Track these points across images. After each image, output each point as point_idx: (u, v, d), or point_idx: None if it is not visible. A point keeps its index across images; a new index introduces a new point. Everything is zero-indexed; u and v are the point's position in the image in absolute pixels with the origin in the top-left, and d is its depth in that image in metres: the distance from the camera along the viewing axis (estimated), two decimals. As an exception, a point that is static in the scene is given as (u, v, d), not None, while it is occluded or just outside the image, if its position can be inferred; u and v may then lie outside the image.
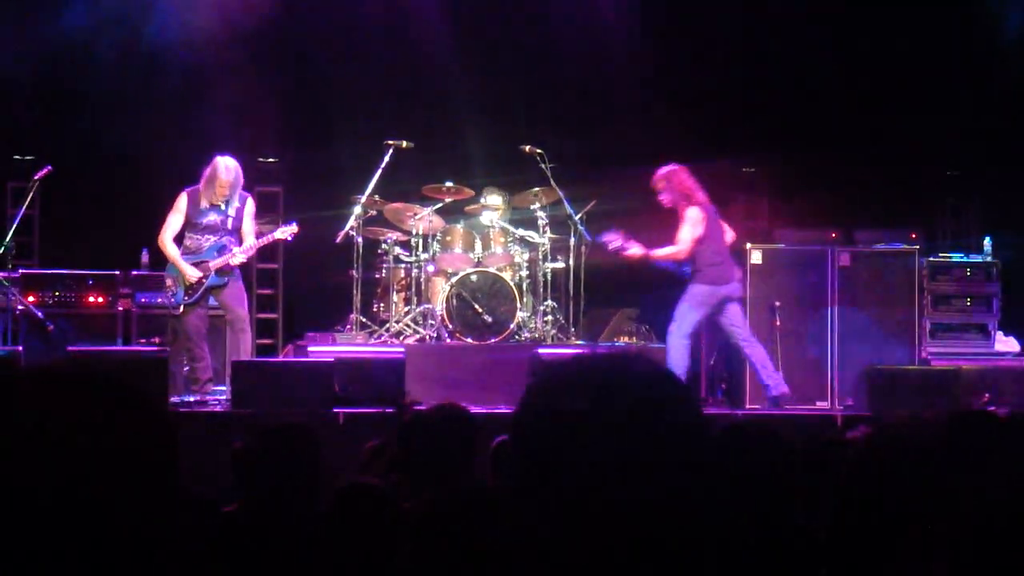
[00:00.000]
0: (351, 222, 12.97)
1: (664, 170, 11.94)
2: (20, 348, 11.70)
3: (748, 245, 12.75)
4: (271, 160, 15.25)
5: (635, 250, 11.92)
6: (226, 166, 11.67)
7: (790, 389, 12.01)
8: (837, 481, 3.19)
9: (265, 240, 12.01)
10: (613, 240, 11.99)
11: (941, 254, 13.38)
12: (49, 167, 12.65)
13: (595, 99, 15.31)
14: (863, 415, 11.11)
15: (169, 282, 11.81)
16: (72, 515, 1.72)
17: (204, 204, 11.68)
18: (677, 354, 11.54)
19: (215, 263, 11.66)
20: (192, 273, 11.60)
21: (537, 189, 13.44)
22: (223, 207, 11.71)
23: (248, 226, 11.87)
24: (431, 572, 3.23)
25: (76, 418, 1.77)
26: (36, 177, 12.65)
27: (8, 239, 12.33)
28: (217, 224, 11.73)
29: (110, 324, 13.03)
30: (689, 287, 11.78)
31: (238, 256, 11.75)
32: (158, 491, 1.79)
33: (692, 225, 11.75)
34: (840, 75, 15.07)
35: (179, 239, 11.83)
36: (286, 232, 12.00)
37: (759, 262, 12.59)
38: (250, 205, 11.93)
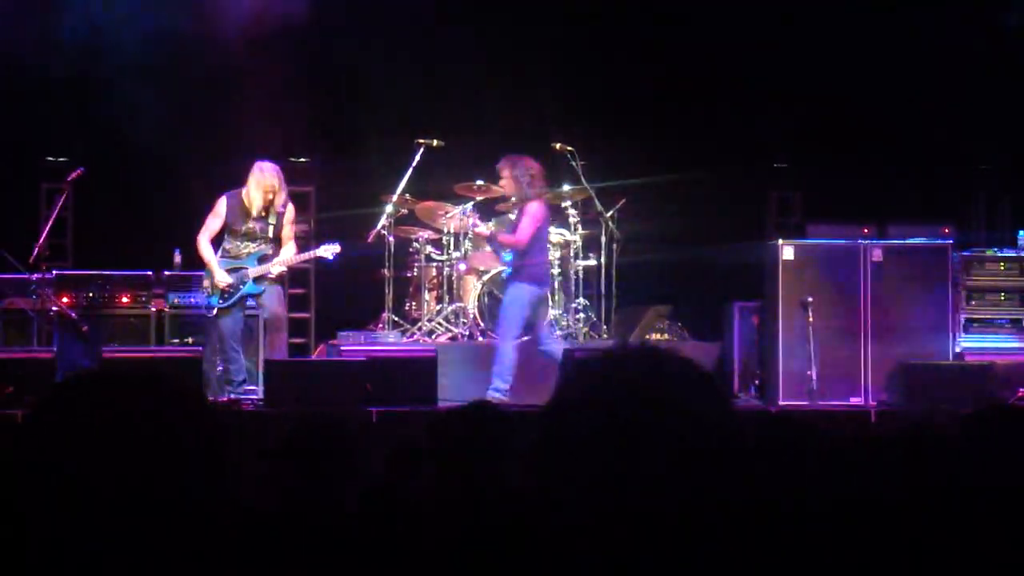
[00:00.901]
0: (382, 221, 12.99)
1: (509, 158, 11.92)
2: (54, 349, 11.74)
3: (780, 241, 12.71)
4: (302, 160, 15.27)
5: (482, 228, 12.15)
6: (271, 173, 11.67)
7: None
8: (870, 477, 3.18)
9: (307, 256, 12.02)
10: (465, 214, 12.11)
11: (974, 248, 13.30)
12: (82, 168, 12.71)
13: (625, 95, 15.29)
14: (897, 410, 11.08)
15: (206, 283, 11.85)
16: (123, 512, 1.72)
17: (248, 211, 11.68)
18: (508, 359, 11.59)
19: (254, 271, 11.67)
20: (222, 279, 11.61)
21: (568, 187, 13.43)
22: (264, 214, 11.73)
23: (287, 232, 11.89)
24: (458, 571, 3.23)
25: (134, 418, 1.78)
26: (69, 178, 12.72)
27: (42, 240, 12.38)
28: (257, 232, 11.74)
29: (143, 325, 13.09)
30: (514, 285, 11.83)
31: (276, 267, 11.78)
32: (206, 490, 1.80)
33: (534, 219, 11.78)
34: (872, 70, 15.01)
35: (218, 242, 11.86)
36: (328, 251, 11.95)
37: (791, 258, 12.53)
38: (290, 211, 11.94)
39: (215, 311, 11.75)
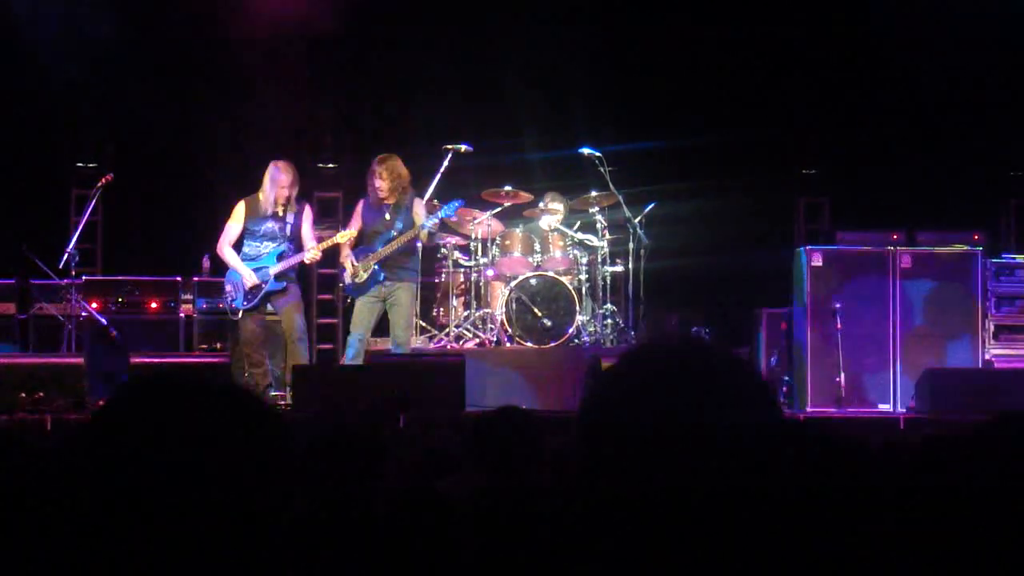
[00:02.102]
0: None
1: (386, 158, 12.09)
2: (84, 355, 11.78)
3: (808, 247, 12.68)
4: (330, 166, 15.30)
5: (435, 221, 12.11)
6: (284, 168, 11.81)
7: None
8: (898, 483, 3.17)
9: (326, 244, 12.05)
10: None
11: (1005, 255, 13.26)
12: (111, 174, 12.76)
13: (653, 101, 15.27)
14: (925, 417, 11.04)
15: (228, 287, 11.94)
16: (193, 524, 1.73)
17: (264, 211, 11.80)
18: None
19: (275, 269, 11.76)
20: (251, 278, 11.70)
21: (596, 193, 13.42)
22: (281, 213, 11.83)
23: (307, 232, 11.96)
24: (488, 574, 3.23)
25: (208, 424, 1.78)
26: (99, 184, 12.77)
27: (71, 246, 12.43)
28: (276, 231, 11.85)
29: (172, 330, 13.12)
30: (412, 287, 12.20)
31: (311, 253, 11.85)
32: (276, 497, 1.80)
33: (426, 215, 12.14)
34: (901, 75, 14.96)
35: (237, 247, 11.95)
36: (346, 235, 12.05)
37: (820, 264, 12.50)
38: (308, 213, 12.03)
39: (240, 313, 11.84)
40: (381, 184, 11.96)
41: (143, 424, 1.77)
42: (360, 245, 12.22)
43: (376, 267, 11.97)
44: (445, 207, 12.27)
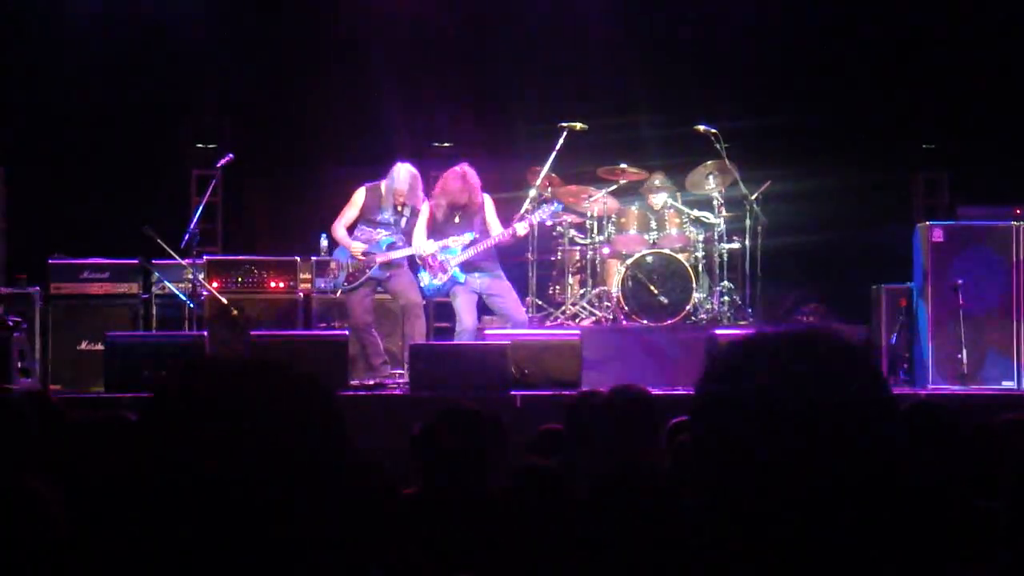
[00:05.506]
0: (527, 205, 13.01)
1: (464, 169, 12.02)
2: (205, 333, 11.95)
3: (928, 223, 12.52)
4: (446, 144, 15.36)
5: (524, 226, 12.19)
6: (405, 176, 11.94)
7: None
8: (1020, 461, 3.12)
9: (444, 243, 12.09)
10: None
11: None
12: (231, 155, 12.90)
13: (770, 78, 15.15)
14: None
15: (333, 265, 12.20)
16: (249, 500, 1.74)
17: (382, 204, 11.98)
18: None
19: (382, 257, 11.94)
20: (358, 248, 11.90)
21: (712, 169, 13.34)
22: (400, 208, 12.02)
23: (420, 230, 12.13)
24: (603, 552, 3.23)
25: (252, 405, 1.80)
26: (219, 165, 12.91)
27: (193, 226, 12.59)
28: (391, 222, 12.07)
29: (291, 308, 13.25)
30: (502, 273, 12.25)
31: (425, 249, 11.99)
32: (329, 474, 1.81)
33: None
34: (1021, 45, 14.70)
35: (351, 231, 12.14)
36: (461, 240, 12.09)
37: (941, 240, 12.32)
38: (425, 208, 12.10)
39: (339, 292, 12.07)
40: (463, 188, 12.01)
41: (189, 402, 1.79)
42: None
43: (458, 269, 12.03)
44: (540, 210, 12.30)
